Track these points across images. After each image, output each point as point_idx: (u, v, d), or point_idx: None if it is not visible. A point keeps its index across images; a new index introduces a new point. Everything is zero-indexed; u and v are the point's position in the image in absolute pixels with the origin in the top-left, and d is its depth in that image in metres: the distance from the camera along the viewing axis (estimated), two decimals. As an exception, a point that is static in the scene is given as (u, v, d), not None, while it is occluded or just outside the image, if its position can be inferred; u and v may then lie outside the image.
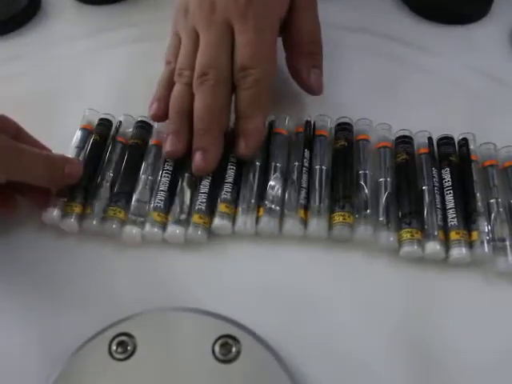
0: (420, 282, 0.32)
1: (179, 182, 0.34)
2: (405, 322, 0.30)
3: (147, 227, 0.33)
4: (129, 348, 0.27)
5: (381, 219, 0.33)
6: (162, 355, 0.27)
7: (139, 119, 0.38)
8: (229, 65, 0.34)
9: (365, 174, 0.35)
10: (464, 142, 0.36)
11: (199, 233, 0.33)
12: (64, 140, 0.37)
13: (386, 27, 0.45)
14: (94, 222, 0.33)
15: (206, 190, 0.34)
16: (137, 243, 0.33)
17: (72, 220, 0.33)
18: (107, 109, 0.39)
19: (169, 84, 0.37)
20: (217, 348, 0.27)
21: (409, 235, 0.32)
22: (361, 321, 0.30)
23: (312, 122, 0.37)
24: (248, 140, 0.34)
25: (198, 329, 0.28)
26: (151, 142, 0.37)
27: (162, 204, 0.33)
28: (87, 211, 0.33)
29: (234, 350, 0.27)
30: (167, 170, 0.35)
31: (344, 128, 0.37)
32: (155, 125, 0.38)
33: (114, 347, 0.27)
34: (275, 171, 0.34)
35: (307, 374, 0.28)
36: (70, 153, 0.36)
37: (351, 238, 0.33)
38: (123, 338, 0.27)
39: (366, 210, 0.33)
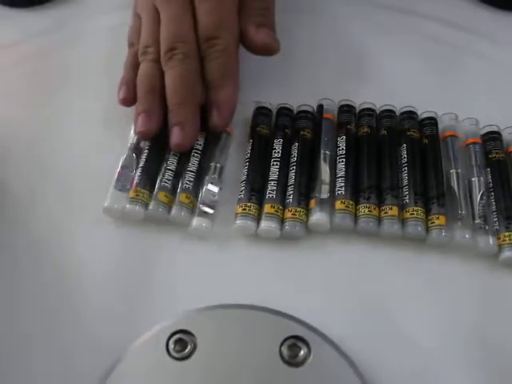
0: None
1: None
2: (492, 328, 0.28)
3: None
4: (188, 347, 0.25)
5: (477, 222, 0.30)
6: (224, 356, 0.25)
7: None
8: (194, 36, 0.33)
9: (457, 173, 0.32)
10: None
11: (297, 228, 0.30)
12: (97, 112, 0.36)
13: (446, 13, 0.42)
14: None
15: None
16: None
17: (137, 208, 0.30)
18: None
19: (135, 66, 0.35)
20: (284, 350, 0.25)
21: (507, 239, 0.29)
22: (444, 328, 0.28)
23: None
24: (220, 110, 0.33)
25: (263, 328, 0.25)
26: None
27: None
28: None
29: (302, 352, 0.24)
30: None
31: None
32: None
33: (171, 345, 0.25)
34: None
35: (382, 381, 0.25)
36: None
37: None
38: (182, 335, 0.25)
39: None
